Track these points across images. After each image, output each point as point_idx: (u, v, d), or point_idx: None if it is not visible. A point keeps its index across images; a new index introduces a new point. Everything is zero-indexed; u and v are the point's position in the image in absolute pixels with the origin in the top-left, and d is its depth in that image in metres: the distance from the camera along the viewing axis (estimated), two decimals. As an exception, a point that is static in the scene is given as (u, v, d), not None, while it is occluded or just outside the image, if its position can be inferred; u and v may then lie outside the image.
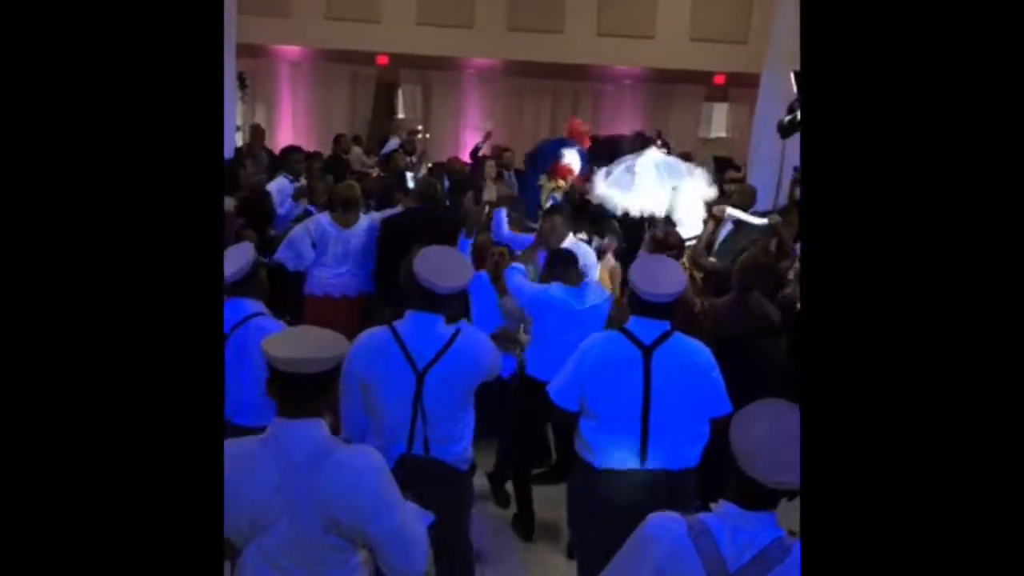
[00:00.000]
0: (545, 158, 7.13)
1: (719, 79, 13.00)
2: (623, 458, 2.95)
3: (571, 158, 6.88)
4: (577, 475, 3.12)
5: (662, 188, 5.54)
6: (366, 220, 5.42)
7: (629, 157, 5.81)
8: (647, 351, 2.94)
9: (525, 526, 4.27)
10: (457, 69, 13.69)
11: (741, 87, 12.04)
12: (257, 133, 8.92)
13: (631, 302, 3.06)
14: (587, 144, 6.58)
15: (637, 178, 5.61)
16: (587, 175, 6.44)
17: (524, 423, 4.25)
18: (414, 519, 2.11)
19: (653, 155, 5.84)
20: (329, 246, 5.28)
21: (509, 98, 13.88)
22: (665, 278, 2.99)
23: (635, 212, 5.56)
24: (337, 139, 10.23)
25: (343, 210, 5.35)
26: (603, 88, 13.69)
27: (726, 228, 6.77)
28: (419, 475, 2.83)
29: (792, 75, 3.51)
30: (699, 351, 3.04)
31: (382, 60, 13.30)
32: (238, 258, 3.15)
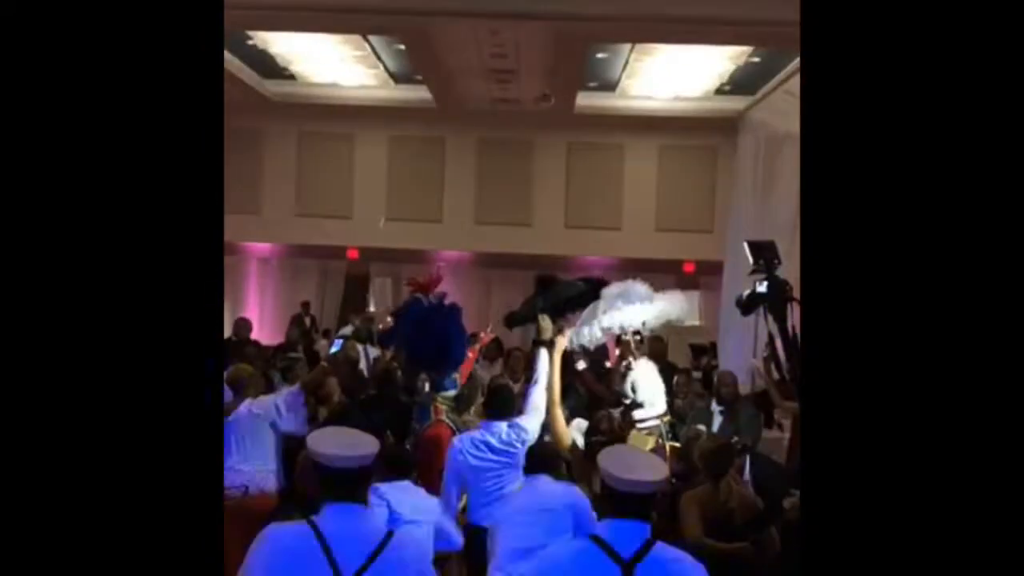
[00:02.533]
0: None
1: (688, 267, 13.09)
2: None
3: None
4: None
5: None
6: (244, 407, 4.69)
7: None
8: (627, 568, 2.31)
9: None
10: (427, 261, 13.73)
11: (711, 275, 12.10)
12: (242, 326, 8.55)
13: (601, 500, 2.53)
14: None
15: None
16: None
17: None
18: None
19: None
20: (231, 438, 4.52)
21: (479, 287, 13.85)
22: (642, 463, 2.48)
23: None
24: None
25: (233, 396, 4.71)
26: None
27: (716, 420, 6.36)
28: None
29: (746, 246, 3.29)
30: (690, 568, 2.43)
31: (352, 254, 13.35)
32: None
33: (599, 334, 4.70)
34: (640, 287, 4.91)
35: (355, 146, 13.29)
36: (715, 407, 6.52)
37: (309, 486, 3.61)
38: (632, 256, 12.86)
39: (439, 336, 4.86)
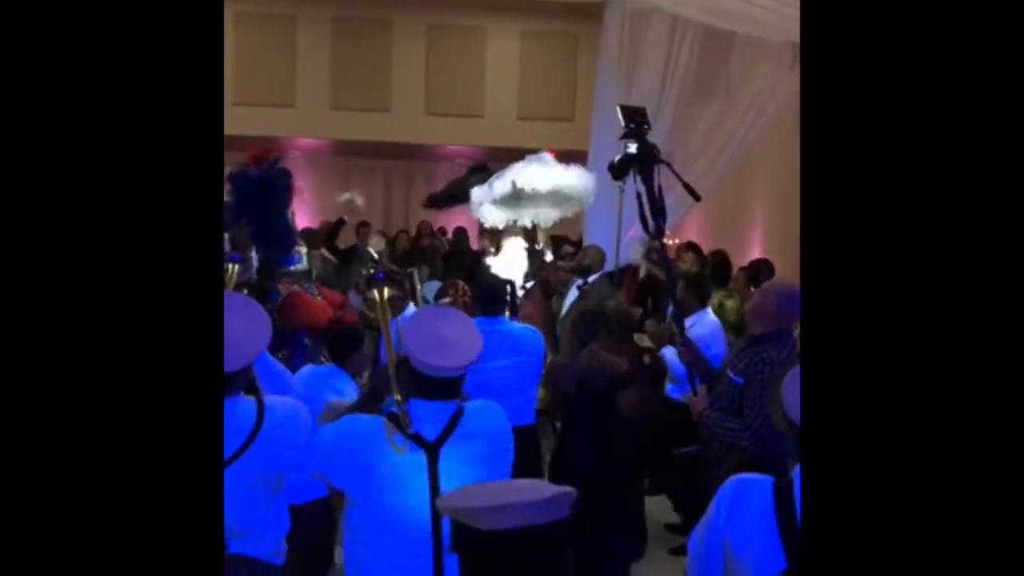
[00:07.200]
0: None
1: (550, 156, 13.13)
2: None
3: None
4: None
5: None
6: None
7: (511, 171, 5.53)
8: (432, 449, 2.20)
9: None
10: (281, 150, 13.08)
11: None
12: None
13: (408, 381, 2.27)
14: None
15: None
16: None
17: None
18: None
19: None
20: None
21: (338, 179, 13.39)
22: (456, 341, 2.24)
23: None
24: None
25: None
26: (436, 167, 13.49)
27: (571, 294, 6.54)
28: None
29: (619, 109, 3.31)
30: (496, 430, 2.36)
31: (198, 142, 12.51)
32: None
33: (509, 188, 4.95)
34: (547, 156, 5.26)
35: (196, 23, 12.28)
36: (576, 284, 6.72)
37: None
38: (494, 145, 12.74)
39: (265, 209, 4.40)
